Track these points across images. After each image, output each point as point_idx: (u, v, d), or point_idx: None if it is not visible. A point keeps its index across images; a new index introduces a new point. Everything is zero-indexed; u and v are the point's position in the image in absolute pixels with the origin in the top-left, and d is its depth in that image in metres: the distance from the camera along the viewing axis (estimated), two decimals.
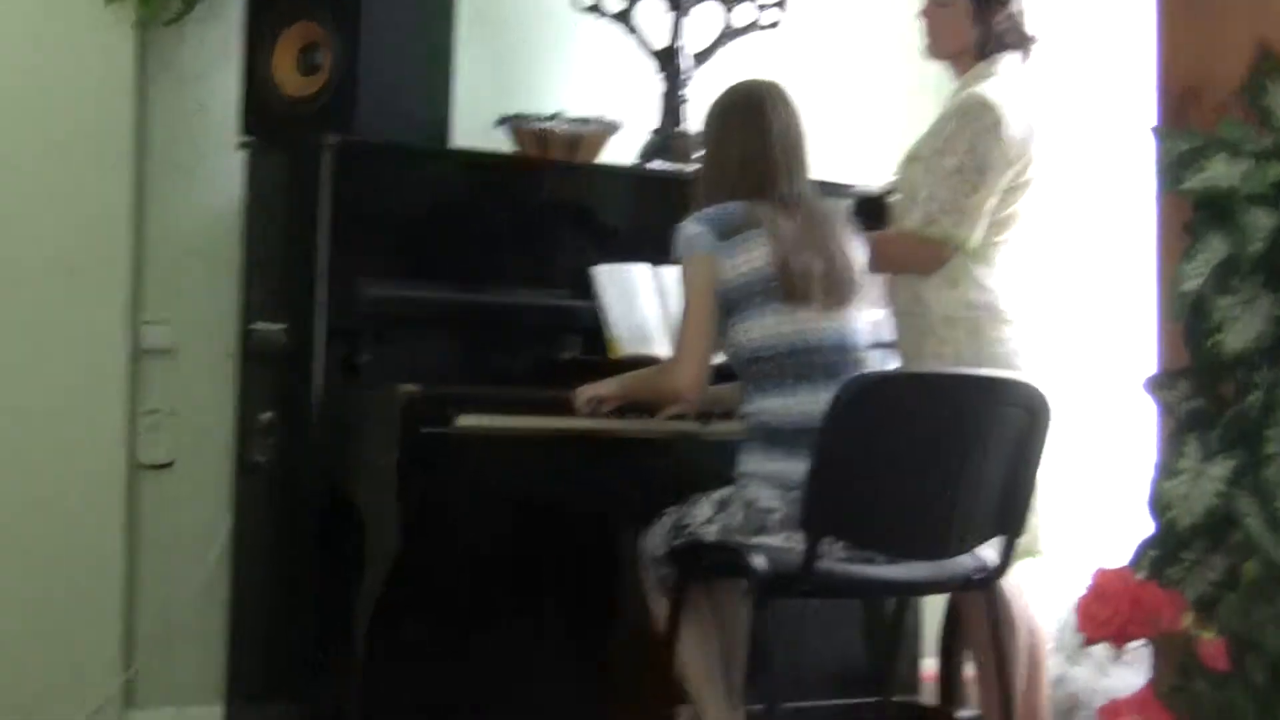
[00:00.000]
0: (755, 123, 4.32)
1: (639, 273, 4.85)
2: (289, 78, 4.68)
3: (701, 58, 5.28)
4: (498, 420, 4.34)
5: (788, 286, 4.21)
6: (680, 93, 5.23)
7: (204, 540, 4.82)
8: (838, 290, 4.26)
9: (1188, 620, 3.39)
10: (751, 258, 4.21)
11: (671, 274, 4.78)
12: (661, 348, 4.75)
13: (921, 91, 5.44)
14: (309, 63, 4.68)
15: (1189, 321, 3.42)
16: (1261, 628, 3.23)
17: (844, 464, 4.01)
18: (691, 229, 4.25)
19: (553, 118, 4.87)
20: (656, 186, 5.01)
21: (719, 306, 4.24)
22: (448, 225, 4.68)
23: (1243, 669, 3.27)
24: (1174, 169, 3.41)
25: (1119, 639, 3.46)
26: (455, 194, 4.72)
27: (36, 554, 4.66)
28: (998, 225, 4.59)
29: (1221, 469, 3.33)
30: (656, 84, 5.26)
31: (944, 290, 4.58)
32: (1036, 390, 4.15)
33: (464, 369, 4.61)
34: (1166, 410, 3.56)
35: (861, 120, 5.86)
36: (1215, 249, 3.37)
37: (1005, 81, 4.64)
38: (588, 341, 4.78)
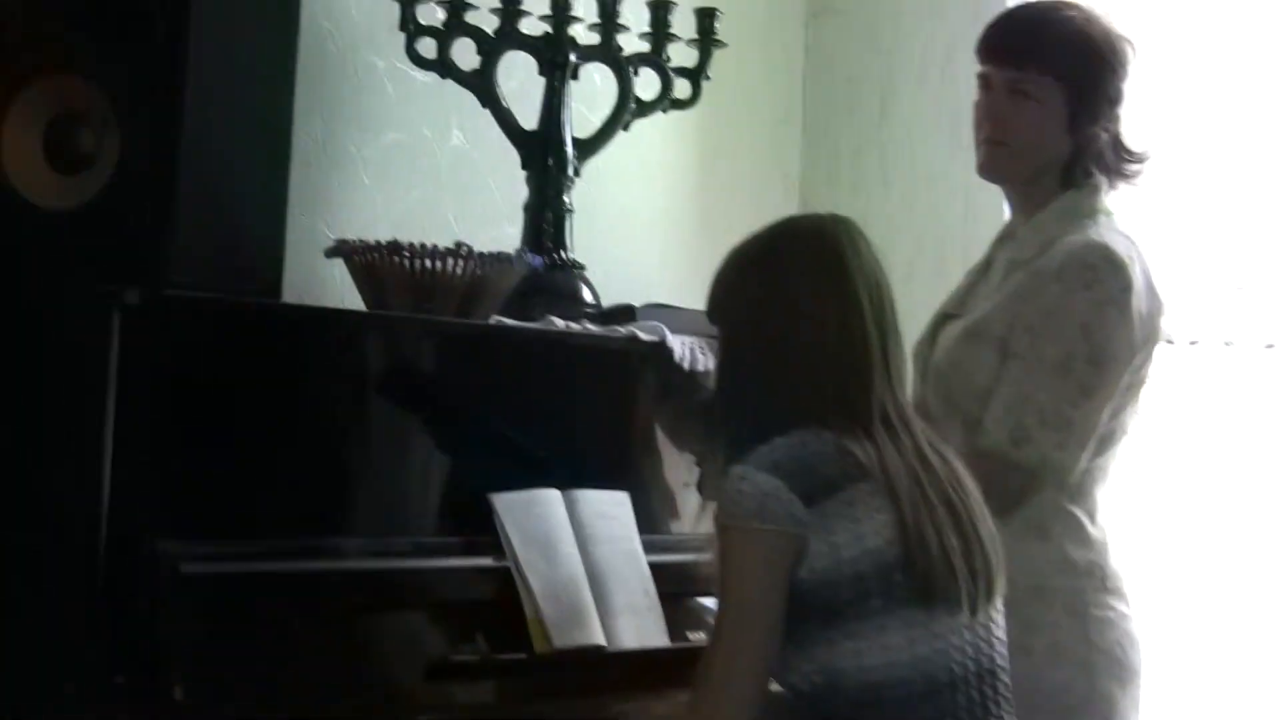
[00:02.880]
0: (836, 293, 2.62)
1: (552, 506, 3.05)
2: (32, 172, 2.65)
3: (589, 147, 3.47)
4: None
5: (925, 580, 2.55)
6: (563, 199, 3.42)
7: None
8: (984, 580, 2.62)
9: None
10: (862, 533, 2.53)
11: (592, 504, 3.07)
12: (596, 632, 2.99)
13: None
14: (69, 147, 2.66)
15: None
16: None
17: None
18: (760, 482, 2.52)
19: (455, 250, 2.94)
20: (550, 355, 3.19)
21: (801, 613, 2.53)
22: (297, 435, 2.75)
23: None
24: None
25: None
26: (307, 382, 2.77)
27: None
28: (1100, 443, 3.05)
29: None
30: (519, 187, 3.44)
31: (1030, 544, 3.00)
32: None
33: (318, 688, 2.69)
34: None
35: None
36: None
37: (1118, 226, 3.10)
38: (497, 621, 2.93)
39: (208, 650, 2.58)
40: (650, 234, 4.09)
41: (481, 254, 2.95)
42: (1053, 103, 3.08)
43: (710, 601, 3.24)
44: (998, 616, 2.65)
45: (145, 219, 2.57)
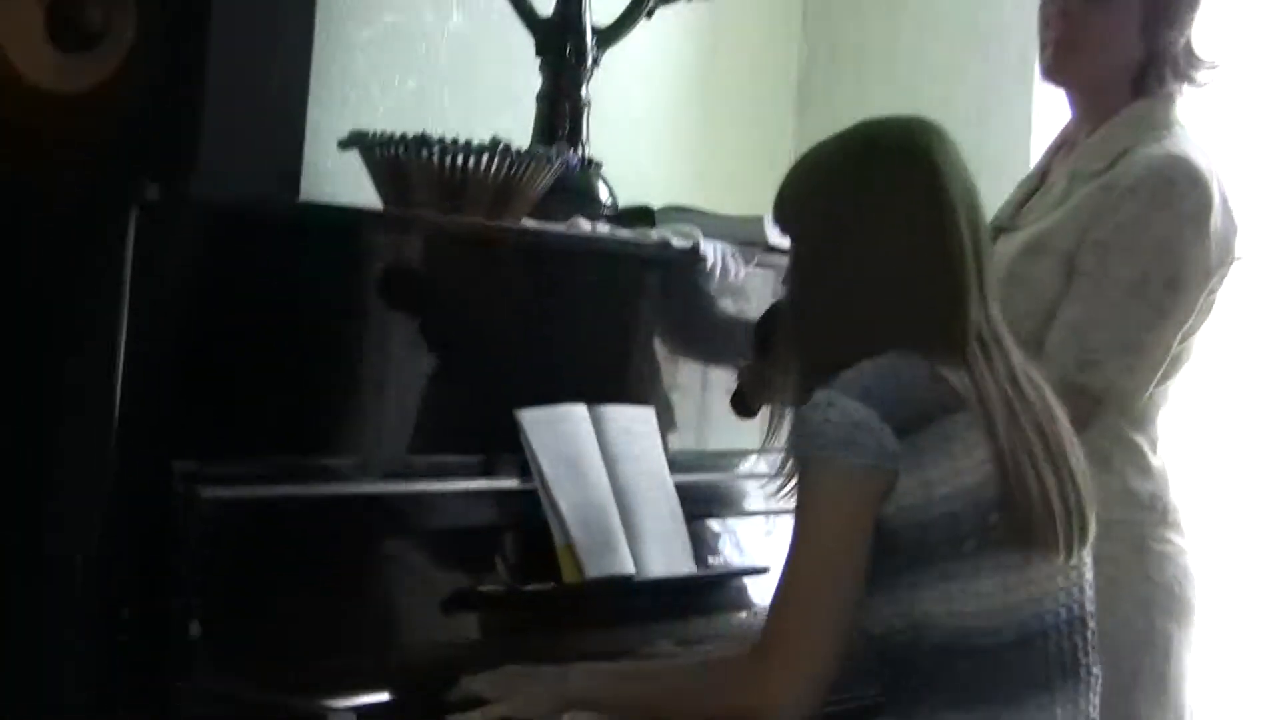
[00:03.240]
0: (931, 202, 2.37)
1: (579, 423, 2.82)
2: (33, 49, 2.36)
3: (609, 36, 3.22)
4: None
5: (1024, 522, 2.32)
6: (580, 91, 3.17)
7: None
8: (1079, 520, 2.39)
9: None
10: (959, 469, 2.30)
11: (618, 420, 2.84)
12: (626, 559, 2.78)
13: None
14: (73, 27, 2.37)
15: None
16: None
17: None
18: (849, 410, 2.27)
19: (491, 146, 2.68)
20: (574, 261, 2.94)
21: (884, 552, 2.31)
22: (323, 347, 2.51)
23: None
24: None
25: None
26: (341, 290, 2.53)
27: None
28: (1166, 368, 2.88)
29: None
30: (532, 79, 3.18)
31: (1092, 474, 2.75)
32: None
33: (338, 619, 2.47)
34: None
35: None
36: None
37: (1194, 137, 2.90)
38: (521, 546, 2.71)
39: (225, 582, 2.34)
40: (648, 131, 3.83)
41: (518, 151, 2.69)
42: (1130, 3, 2.87)
43: (723, 524, 3.05)
44: (1088, 559, 2.45)
45: (170, 105, 2.29)
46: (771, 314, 2.83)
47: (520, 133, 3.14)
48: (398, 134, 2.68)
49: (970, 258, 2.39)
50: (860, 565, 2.30)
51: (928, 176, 2.40)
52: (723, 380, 3.08)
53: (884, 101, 3.80)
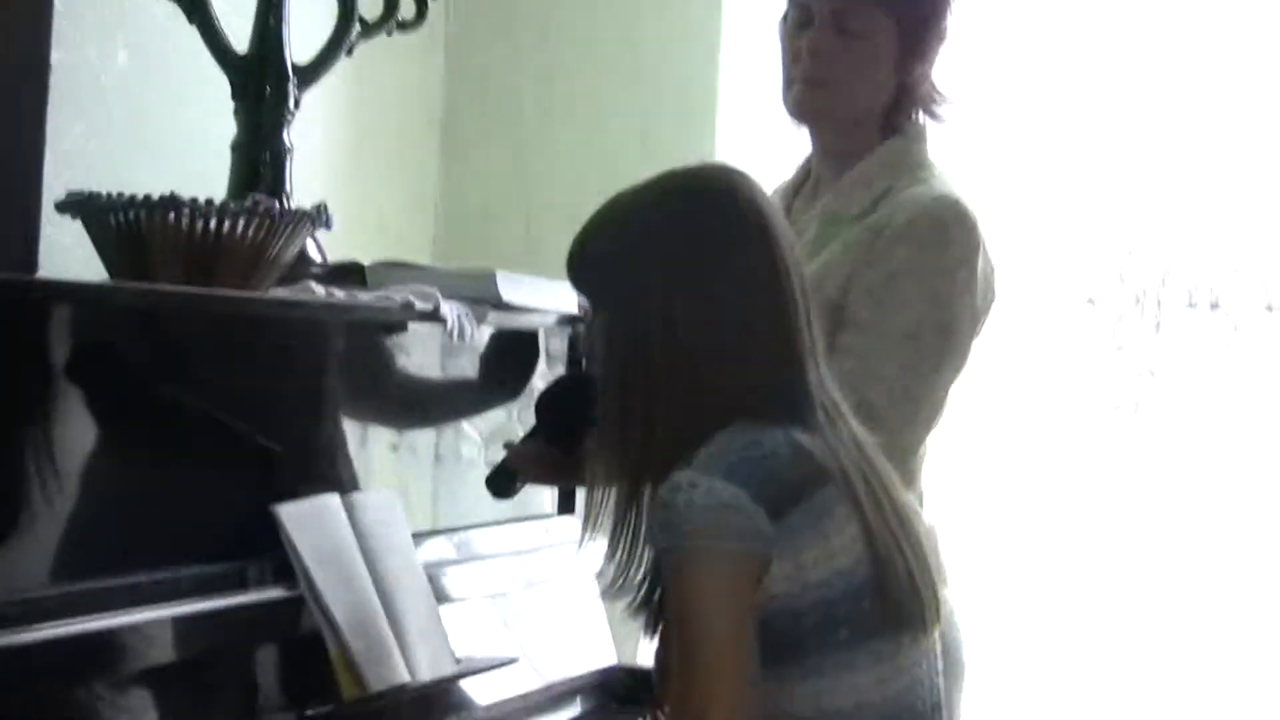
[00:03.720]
0: (766, 259, 2.21)
1: (337, 515, 2.51)
2: None
3: (308, 75, 2.89)
4: None
5: (895, 606, 2.17)
6: (282, 135, 2.83)
7: None
8: (934, 596, 2.25)
9: None
10: (832, 551, 2.13)
11: (370, 509, 2.57)
12: (401, 666, 2.49)
13: None
14: None
15: None
16: None
17: None
18: (716, 491, 2.08)
19: (251, 207, 2.32)
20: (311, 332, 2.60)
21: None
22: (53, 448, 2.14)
23: None
24: None
25: None
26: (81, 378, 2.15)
27: None
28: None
29: None
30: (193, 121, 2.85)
31: None
32: None
33: None
34: None
35: None
36: None
37: (951, 176, 2.79)
38: (295, 661, 2.38)
39: None
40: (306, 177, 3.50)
41: (280, 211, 2.35)
42: (884, 39, 2.74)
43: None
44: (938, 637, 2.29)
45: None
46: (568, 387, 2.57)
47: (208, 186, 2.79)
48: (139, 196, 2.31)
49: (804, 316, 2.22)
50: (750, 653, 2.09)
51: (760, 233, 2.22)
52: (462, 451, 2.81)
53: (536, 141, 3.56)
